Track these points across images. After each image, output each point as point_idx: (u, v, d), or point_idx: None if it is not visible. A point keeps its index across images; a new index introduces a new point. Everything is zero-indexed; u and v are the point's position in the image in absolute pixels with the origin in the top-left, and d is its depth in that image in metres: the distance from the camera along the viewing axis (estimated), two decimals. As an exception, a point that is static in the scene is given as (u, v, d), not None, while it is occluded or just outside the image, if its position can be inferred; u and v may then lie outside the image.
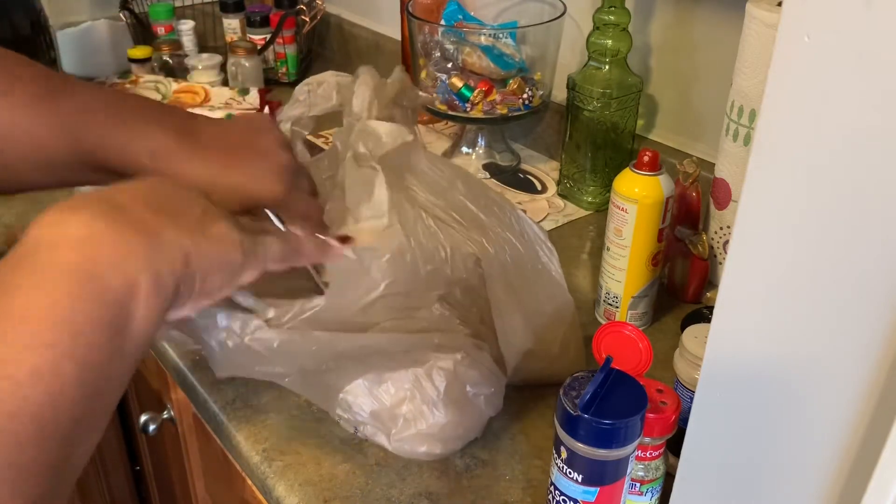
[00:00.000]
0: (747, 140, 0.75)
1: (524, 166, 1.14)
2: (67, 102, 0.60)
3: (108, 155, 0.60)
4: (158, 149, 0.60)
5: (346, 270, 0.57)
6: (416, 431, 0.62)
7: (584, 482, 0.49)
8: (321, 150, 1.17)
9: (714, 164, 0.81)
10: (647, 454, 0.55)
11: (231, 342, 0.57)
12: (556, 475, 0.51)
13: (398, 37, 1.30)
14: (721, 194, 0.80)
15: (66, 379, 0.37)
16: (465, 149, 1.13)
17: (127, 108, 0.62)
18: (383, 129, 0.64)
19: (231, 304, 0.58)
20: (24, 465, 0.36)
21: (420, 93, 0.74)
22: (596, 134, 0.97)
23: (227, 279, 0.48)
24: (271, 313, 0.58)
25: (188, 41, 1.39)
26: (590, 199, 1.02)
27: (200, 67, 1.30)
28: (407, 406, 0.62)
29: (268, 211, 0.63)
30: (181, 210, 0.46)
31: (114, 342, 0.39)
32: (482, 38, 1.06)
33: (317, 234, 0.57)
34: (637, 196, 0.72)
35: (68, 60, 1.38)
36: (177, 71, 1.34)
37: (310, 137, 1.20)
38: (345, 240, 0.58)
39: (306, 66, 1.47)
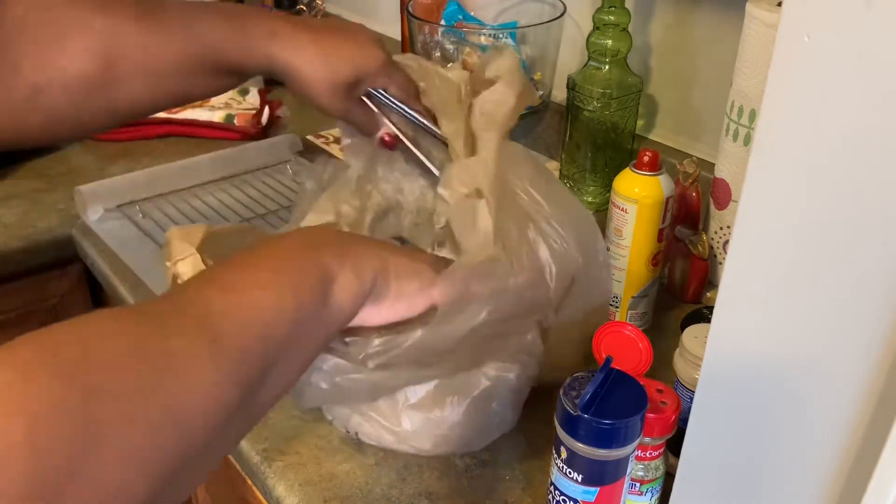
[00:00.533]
0: (747, 140, 0.75)
1: (524, 166, 1.14)
2: (176, 12, 0.66)
3: (228, 50, 0.67)
4: (276, 30, 0.68)
5: (454, 299, 0.56)
6: (426, 416, 0.62)
7: (584, 482, 0.49)
8: (321, 150, 1.17)
9: (714, 164, 0.81)
10: (647, 454, 0.55)
11: (324, 383, 0.58)
12: (556, 475, 0.51)
13: (398, 37, 1.30)
14: (721, 194, 0.80)
15: (286, 299, 0.45)
16: (465, 149, 1.13)
17: (234, 9, 0.69)
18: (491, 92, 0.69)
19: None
20: (246, 350, 0.42)
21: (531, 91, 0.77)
22: (596, 134, 0.97)
23: (420, 287, 0.54)
24: (372, 347, 0.56)
25: (188, 41, 1.39)
26: (590, 199, 1.02)
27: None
28: (433, 386, 0.62)
29: (370, 101, 0.73)
30: (389, 244, 0.57)
31: (320, 294, 0.48)
32: (482, 38, 1.06)
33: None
34: (637, 196, 0.72)
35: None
36: (177, 71, 1.34)
37: (309, 137, 1.20)
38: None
39: (306, 66, 1.47)
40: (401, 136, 0.74)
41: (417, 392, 0.62)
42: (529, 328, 0.61)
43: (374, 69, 0.71)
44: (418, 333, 0.55)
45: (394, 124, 0.75)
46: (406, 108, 0.74)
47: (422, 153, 0.74)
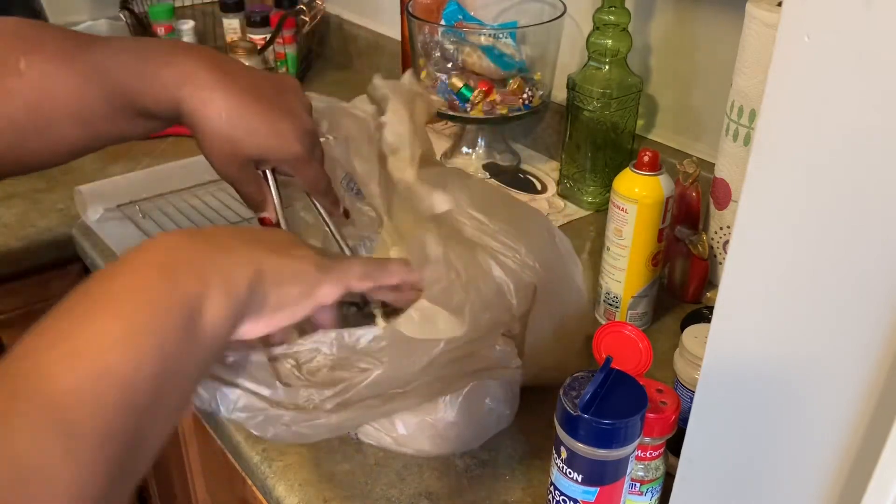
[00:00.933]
0: (747, 140, 0.75)
1: (524, 166, 1.14)
2: (98, 52, 0.62)
3: (141, 91, 0.61)
4: (187, 75, 0.61)
5: (414, 335, 0.56)
6: (420, 419, 0.62)
7: (584, 482, 0.49)
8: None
9: (714, 164, 0.81)
10: (647, 454, 0.55)
11: (285, 434, 0.55)
12: (556, 475, 0.51)
13: (398, 37, 1.30)
14: (721, 194, 0.80)
15: (145, 350, 0.40)
16: (465, 149, 1.13)
17: (153, 47, 0.63)
18: (436, 201, 0.65)
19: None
20: (104, 432, 0.37)
21: (433, 97, 0.74)
22: (596, 134, 0.97)
23: (303, 292, 0.50)
24: (325, 396, 0.55)
25: (188, 41, 1.39)
26: (590, 199, 1.02)
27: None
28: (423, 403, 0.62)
29: (269, 177, 0.67)
30: (262, 238, 0.51)
31: (186, 330, 0.43)
32: (482, 38, 1.06)
33: (399, 260, 0.59)
34: (637, 196, 0.72)
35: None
36: (177, 71, 1.34)
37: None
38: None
39: (306, 66, 1.47)
40: (282, 225, 0.68)
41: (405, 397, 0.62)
42: (494, 342, 0.61)
43: (281, 159, 0.64)
44: (374, 374, 0.54)
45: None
46: (310, 200, 0.70)
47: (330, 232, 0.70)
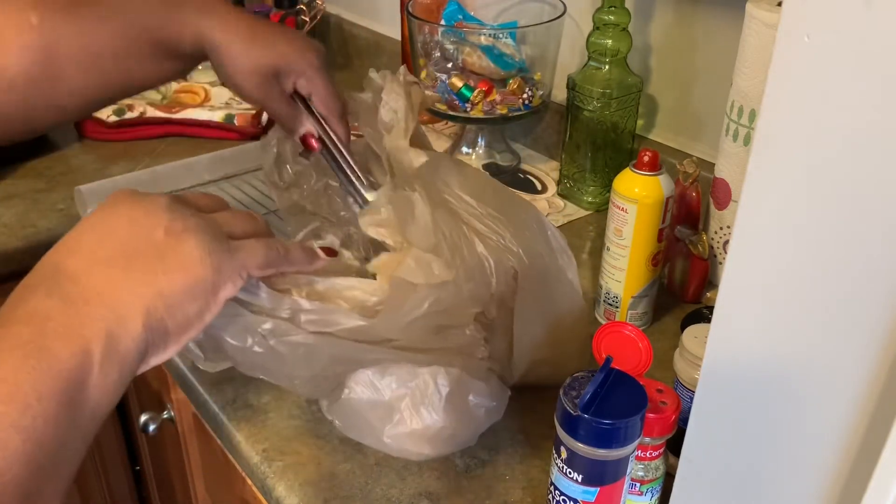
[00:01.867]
0: (747, 140, 0.75)
1: (524, 166, 1.14)
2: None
3: (159, 28, 0.65)
4: (206, 6, 0.65)
5: (399, 294, 0.56)
6: (409, 430, 0.62)
7: (584, 482, 0.49)
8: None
9: (714, 164, 0.81)
10: (647, 454, 0.55)
11: (258, 347, 0.54)
12: (556, 475, 0.51)
13: (398, 37, 1.30)
14: (721, 194, 0.80)
15: (11, 452, 0.36)
16: (465, 149, 1.13)
17: None
18: (413, 155, 0.65)
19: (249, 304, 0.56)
20: None
21: (426, 91, 0.74)
22: (596, 134, 0.97)
23: (203, 303, 0.46)
24: (308, 307, 0.55)
25: (188, 41, 1.39)
26: (590, 199, 1.02)
27: (200, 67, 1.29)
28: (406, 403, 0.62)
29: (298, 98, 0.70)
30: (136, 247, 0.45)
31: (65, 413, 0.38)
32: (482, 38, 1.06)
33: (305, 244, 0.57)
34: (637, 196, 0.72)
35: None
36: (177, 71, 1.34)
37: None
38: (330, 253, 0.58)
39: (306, 66, 1.47)
40: (326, 142, 0.70)
41: (391, 418, 0.62)
42: (468, 321, 0.61)
43: (298, 66, 0.68)
44: (358, 323, 0.55)
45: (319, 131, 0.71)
46: (325, 127, 0.71)
47: (347, 167, 0.70)
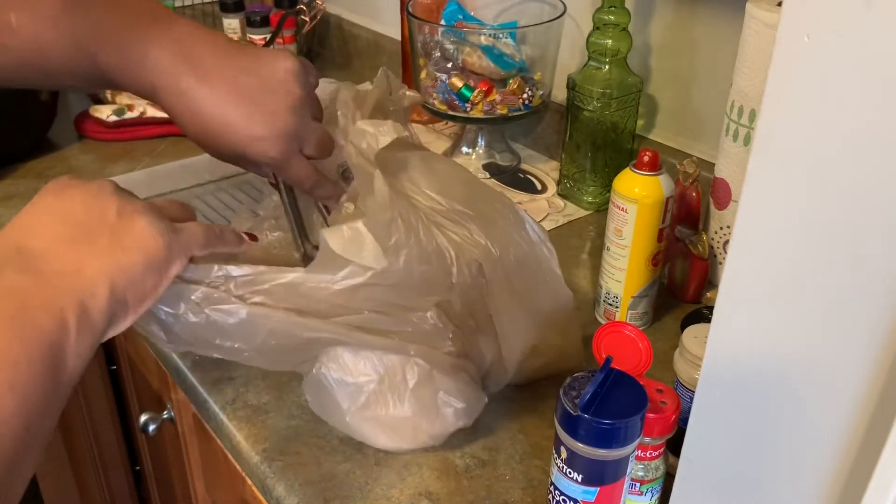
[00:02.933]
0: (747, 140, 0.75)
1: (524, 166, 1.14)
2: (83, 16, 0.60)
3: (121, 70, 0.61)
4: (166, 71, 0.59)
5: (335, 249, 0.56)
6: (373, 415, 0.62)
7: (584, 482, 0.49)
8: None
9: (714, 164, 0.81)
10: (647, 454, 0.55)
11: (192, 315, 0.56)
12: (556, 475, 0.51)
13: (398, 37, 1.30)
14: (721, 194, 0.80)
15: (6, 408, 0.39)
16: (465, 149, 1.13)
17: (142, 19, 0.60)
18: (374, 126, 0.62)
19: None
20: None
21: (408, 92, 0.73)
22: (596, 134, 0.97)
23: (157, 278, 0.50)
24: (238, 271, 0.56)
25: (188, 41, 1.39)
26: (590, 199, 1.02)
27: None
28: (373, 387, 0.61)
29: (272, 174, 0.67)
30: (94, 226, 0.48)
31: (50, 376, 0.42)
32: (482, 38, 1.06)
33: (233, 230, 0.59)
34: (637, 196, 0.72)
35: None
36: (177, 71, 1.34)
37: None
38: (252, 237, 0.61)
39: (306, 66, 1.47)
40: (283, 199, 0.69)
41: (357, 399, 0.62)
42: (429, 307, 0.60)
43: (258, 164, 0.63)
44: (291, 275, 0.56)
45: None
46: (285, 198, 0.69)
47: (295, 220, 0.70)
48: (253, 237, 0.62)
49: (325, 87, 0.70)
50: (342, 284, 0.56)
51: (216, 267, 0.56)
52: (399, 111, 0.72)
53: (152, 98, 0.62)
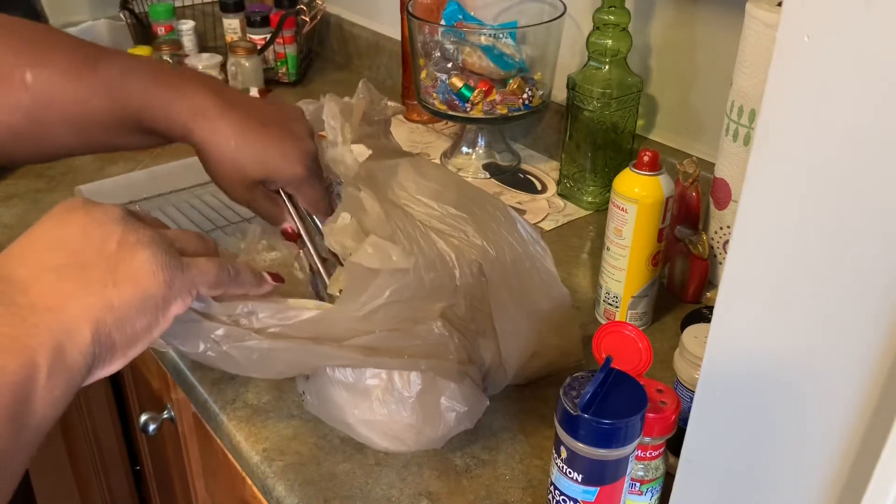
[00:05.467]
0: (747, 140, 0.75)
1: (524, 166, 1.14)
2: (107, 67, 0.62)
3: (152, 114, 0.63)
4: (198, 105, 0.63)
5: (369, 265, 0.56)
6: (375, 418, 0.62)
7: (584, 482, 0.49)
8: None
9: (714, 164, 0.81)
10: (647, 454, 0.55)
11: (212, 352, 0.55)
12: (556, 475, 0.51)
13: (398, 37, 1.30)
14: (721, 194, 0.80)
15: None
16: (465, 149, 1.13)
17: (167, 72, 0.64)
18: (353, 151, 0.66)
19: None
20: None
21: (389, 103, 0.74)
22: (596, 134, 0.97)
23: (152, 318, 0.46)
24: (265, 310, 0.56)
25: (188, 41, 1.39)
26: (590, 199, 1.02)
27: (200, 67, 1.30)
28: (378, 391, 0.61)
29: (283, 192, 0.68)
30: (89, 257, 0.44)
31: (10, 427, 0.38)
32: (482, 38, 1.06)
33: (253, 269, 0.57)
34: (637, 196, 0.72)
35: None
36: (177, 71, 1.34)
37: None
38: (276, 278, 0.59)
39: (306, 66, 1.47)
40: (302, 234, 0.70)
41: (360, 402, 0.62)
42: (433, 315, 0.60)
43: (285, 178, 0.66)
44: (312, 313, 0.55)
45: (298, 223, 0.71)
46: (300, 223, 0.70)
47: (318, 259, 0.70)
48: (278, 278, 0.59)
49: (306, 108, 0.72)
50: (363, 310, 0.57)
51: (241, 305, 0.55)
52: (381, 122, 0.73)
53: (185, 135, 0.63)
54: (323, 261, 0.70)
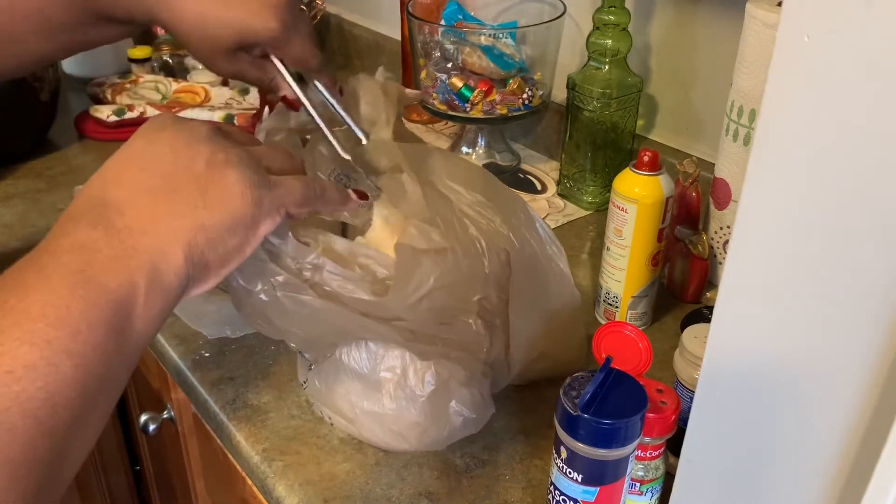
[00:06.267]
0: (747, 140, 0.75)
1: (524, 166, 1.14)
2: None
3: (112, 2, 0.61)
4: None
5: (405, 263, 0.56)
6: (382, 412, 0.62)
7: (584, 482, 0.49)
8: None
9: (714, 164, 0.81)
10: (647, 454, 0.55)
11: (265, 295, 0.54)
12: (556, 475, 0.51)
13: (398, 37, 1.30)
14: (721, 194, 0.80)
15: (62, 375, 0.37)
16: (465, 149, 1.13)
17: None
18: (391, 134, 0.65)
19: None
20: (19, 460, 0.36)
21: (406, 90, 0.73)
22: (596, 134, 0.97)
23: (243, 237, 0.46)
24: (333, 269, 0.55)
25: (188, 41, 1.39)
26: (590, 199, 1.02)
27: (200, 67, 1.30)
28: (389, 386, 0.61)
29: (274, 59, 0.65)
30: (179, 178, 0.45)
31: (112, 341, 0.40)
32: (482, 38, 1.06)
33: (338, 187, 0.56)
34: (637, 196, 0.72)
35: (68, 60, 1.38)
36: (177, 71, 1.34)
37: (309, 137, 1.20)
38: (361, 195, 0.57)
39: (306, 66, 1.47)
40: (301, 99, 0.67)
41: (369, 394, 0.62)
42: (472, 310, 0.60)
43: (262, 39, 0.63)
44: (368, 298, 0.55)
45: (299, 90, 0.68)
46: (296, 87, 0.67)
47: (337, 112, 0.68)
48: (362, 195, 0.57)
49: (346, 86, 0.70)
50: (412, 299, 0.56)
51: (314, 254, 0.54)
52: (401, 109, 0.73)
53: (150, 17, 0.62)
54: (329, 123, 0.67)
